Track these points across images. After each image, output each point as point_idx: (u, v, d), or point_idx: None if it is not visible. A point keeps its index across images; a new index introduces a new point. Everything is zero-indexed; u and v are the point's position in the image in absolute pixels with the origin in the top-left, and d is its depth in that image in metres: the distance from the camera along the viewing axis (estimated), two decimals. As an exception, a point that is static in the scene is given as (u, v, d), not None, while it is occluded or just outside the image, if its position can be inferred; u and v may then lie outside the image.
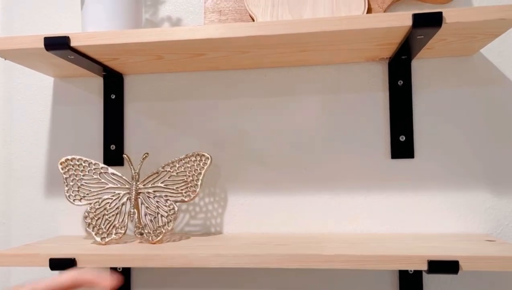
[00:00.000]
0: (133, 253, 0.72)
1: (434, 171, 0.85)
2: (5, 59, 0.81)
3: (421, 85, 0.86)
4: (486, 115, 0.85)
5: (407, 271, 0.84)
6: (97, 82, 0.95)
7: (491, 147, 0.84)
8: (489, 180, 0.84)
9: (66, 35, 0.73)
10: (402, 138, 0.86)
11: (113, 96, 0.94)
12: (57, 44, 0.73)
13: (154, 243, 0.80)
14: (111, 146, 0.93)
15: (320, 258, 0.65)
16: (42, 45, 0.74)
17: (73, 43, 0.73)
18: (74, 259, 0.72)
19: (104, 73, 0.91)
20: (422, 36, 0.70)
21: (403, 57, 0.83)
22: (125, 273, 0.91)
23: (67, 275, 0.46)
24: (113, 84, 0.94)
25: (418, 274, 0.84)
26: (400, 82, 0.86)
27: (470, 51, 0.82)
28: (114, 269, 0.91)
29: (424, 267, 0.64)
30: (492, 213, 0.84)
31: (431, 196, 0.85)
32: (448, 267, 0.64)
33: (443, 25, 0.65)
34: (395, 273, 0.85)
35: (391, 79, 0.86)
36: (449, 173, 0.85)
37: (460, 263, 0.63)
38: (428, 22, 0.66)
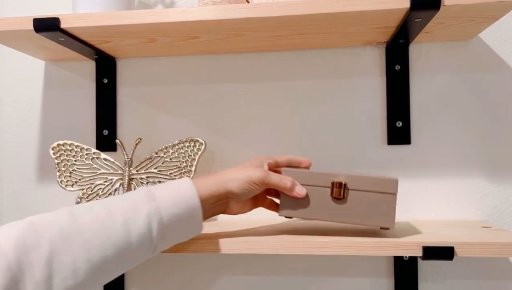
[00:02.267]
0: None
1: (430, 157, 0.84)
2: (-6, 41, 0.79)
3: (419, 70, 0.85)
4: (483, 101, 0.84)
5: (402, 257, 0.83)
6: (89, 66, 0.93)
7: (488, 133, 0.83)
8: (485, 167, 0.83)
9: (56, 16, 0.71)
10: (399, 124, 0.85)
11: (105, 81, 0.92)
12: (46, 26, 0.71)
13: (147, 229, 0.79)
14: (104, 131, 0.91)
15: (315, 244, 0.64)
16: (31, 27, 0.72)
17: (63, 25, 0.72)
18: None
19: (96, 56, 0.89)
20: (420, 19, 0.69)
21: (400, 41, 0.81)
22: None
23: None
24: (106, 68, 0.92)
25: (413, 260, 0.83)
26: (398, 67, 0.85)
27: (469, 35, 0.81)
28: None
29: (419, 253, 0.64)
30: (488, 200, 0.83)
31: (427, 183, 0.84)
32: (443, 253, 0.63)
33: (441, 7, 0.64)
34: (390, 259, 0.85)
35: (388, 64, 0.85)
36: (445, 159, 0.84)
37: (456, 249, 0.63)
38: (427, 4, 0.64)
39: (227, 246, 0.66)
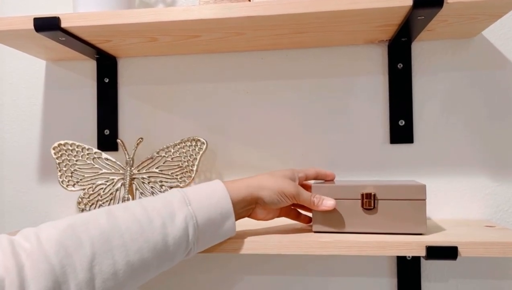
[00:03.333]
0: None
1: (433, 156, 0.84)
2: (-5, 41, 0.79)
3: (421, 68, 0.84)
4: (487, 99, 0.83)
5: (405, 257, 0.83)
6: (90, 66, 0.93)
7: (491, 131, 0.83)
8: (489, 165, 0.83)
9: (57, 15, 0.71)
10: (402, 122, 0.84)
11: (106, 80, 0.92)
12: (47, 25, 0.71)
13: (149, 229, 0.79)
14: (105, 131, 0.91)
15: (317, 244, 0.64)
16: (32, 26, 0.72)
17: (63, 24, 0.71)
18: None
19: (97, 56, 0.89)
20: (423, 17, 0.68)
21: (403, 39, 0.81)
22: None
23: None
24: (107, 68, 0.92)
25: (416, 259, 0.83)
26: (400, 66, 0.84)
27: (472, 33, 0.80)
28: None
29: (423, 253, 0.63)
30: (492, 199, 0.83)
31: (430, 181, 0.84)
32: (447, 253, 0.62)
33: (444, 5, 0.63)
34: (393, 259, 0.84)
35: (391, 62, 0.84)
36: (448, 158, 0.84)
37: (459, 249, 0.62)
38: (429, 2, 0.64)
39: (229, 246, 0.65)
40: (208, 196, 0.60)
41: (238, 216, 0.64)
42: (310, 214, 0.72)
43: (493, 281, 0.82)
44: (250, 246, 0.65)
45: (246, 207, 0.64)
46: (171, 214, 0.56)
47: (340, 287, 0.86)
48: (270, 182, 0.65)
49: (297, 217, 0.73)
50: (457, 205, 0.83)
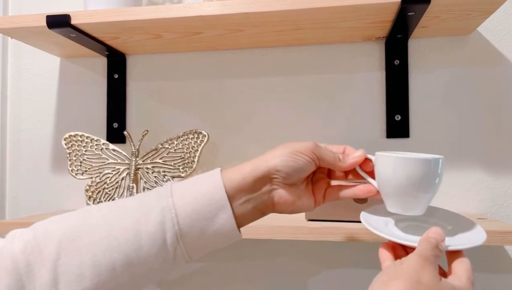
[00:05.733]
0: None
1: (429, 151, 0.85)
2: (11, 37, 0.85)
3: (418, 64, 0.86)
4: (482, 95, 0.84)
5: (400, 249, 0.84)
6: (101, 62, 0.98)
7: (486, 127, 0.84)
8: (484, 160, 0.84)
9: (67, 13, 0.76)
10: (398, 117, 0.86)
11: (116, 76, 0.96)
12: (58, 22, 0.76)
13: (151, 216, 0.83)
14: (114, 124, 0.96)
15: (305, 230, 0.67)
16: (44, 23, 0.77)
17: (73, 21, 0.76)
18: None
19: (107, 53, 0.94)
20: (414, 13, 0.70)
21: (398, 36, 0.83)
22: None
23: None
24: (116, 64, 0.96)
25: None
26: (397, 62, 0.86)
27: (467, 30, 0.82)
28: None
29: (409, 240, 0.65)
30: (487, 193, 0.84)
31: (426, 175, 0.85)
32: (433, 240, 0.64)
33: (432, 1, 0.66)
34: (388, 251, 0.86)
35: (388, 59, 0.87)
36: (444, 152, 0.85)
37: (445, 237, 0.64)
38: (417, -2, 0.66)
39: None
40: (195, 185, 0.50)
41: (252, 208, 0.50)
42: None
43: (486, 274, 0.83)
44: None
45: (255, 191, 0.50)
46: (148, 208, 0.48)
47: (336, 278, 0.88)
48: (279, 148, 0.52)
49: (339, 192, 0.54)
50: (453, 199, 0.85)
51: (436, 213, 0.55)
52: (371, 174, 0.54)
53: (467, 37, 0.85)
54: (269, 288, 0.90)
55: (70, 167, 0.86)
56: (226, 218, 0.48)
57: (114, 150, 0.86)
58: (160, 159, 0.85)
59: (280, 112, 0.91)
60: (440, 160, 0.50)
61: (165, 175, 0.84)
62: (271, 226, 0.68)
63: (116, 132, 0.95)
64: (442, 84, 0.85)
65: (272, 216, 0.54)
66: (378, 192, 0.53)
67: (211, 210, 0.48)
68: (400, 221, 0.55)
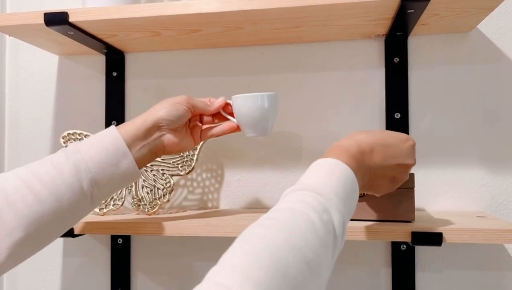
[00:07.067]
0: (127, 222, 0.75)
1: (428, 148, 0.85)
2: (9, 35, 0.84)
3: (417, 62, 0.86)
4: (482, 92, 0.84)
5: (399, 247, 0.84)
6: (99, 60, 0.97)
7: (486, 125, 0.84)
8: (484, 158, 0.84)
9: (65, 10, 0.75)
10: (397, 115, 0.86)
11: (114, 74, 0.96)
12: (56, 20, 0.76)
13: (150, 215, 0.82)
14: (113, 122, 0.95)
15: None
16: (42, 21, 0.76)
17: (71, 19, 0.76)
18: (72, 228, 0.75)
19: (105, 51, 0.94)
20: (413, 10, 0.70)
21: (398, 34, 0.83)
22: (125, 244, 0.94)
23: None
24: (115, 62, 0.96)
25: (410, 249, 0.84)
26: (396, 60, 0.86)
27: (467, 27, 0.81)
28: (115, 240, 0.94)
29: (408, 238, 0.65)
30: (487, 191, 0.83)
31: (425, 173, 0.85)
32: (432, 238, 0.64)
33: (431, -2, 0.65)
34: (387, 249, 0.86)
35: (387, 57, 0.86)
36: (443, 150, 0.85)
37: (444, 235, 0.64)
38: (417, -5, 0.66)
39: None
40: (98, 141, 0.60)
41: (148, 152, 0.64)
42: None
43: (486, 272, 0.83)
44: (241, 230, 0.68)
45: (148, 138, 0.63)
46: (61, 165, 0.57)
47: (334, 276, 0.88)
48: (163, 102, 0.66)
49: (207, 134, 0.72)
50: (452, 197, 0.85)
51: None
52: (232, 115, 0.71)
53: (467, 35, 0.84)
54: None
55: (68, 165, 0.86)
56: (128, 162, 0.61)
57: (112, 148, 0.86)
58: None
59: (280, 110, 0.90)
60: (266, 95, 0.69)
61: (164, 173, 0.84)
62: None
63: (114, 130, 0.95)
64: (442, 82, 0.85)
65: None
66: (238, 126, 0.71)
67: (116, 158, 0.60)
68: None
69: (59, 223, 0.58)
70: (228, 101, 0.71)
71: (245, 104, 0.68)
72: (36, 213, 0.55)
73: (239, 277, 0.34)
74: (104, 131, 0.63)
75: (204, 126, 0.72)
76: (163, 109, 0.65)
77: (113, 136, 0.61)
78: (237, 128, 0.72)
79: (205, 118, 0.73)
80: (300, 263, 0.38)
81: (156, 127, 0.64)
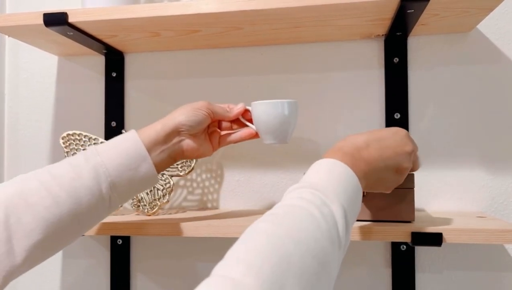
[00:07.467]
0: (127, 222, 0.75)
1: (428, 149, 0.85)
2: (9, 36, 0.84)
3: (417, 62, 0.86)
4: (482, 93, 0.84)
5: (399, 247, 0.84)
6: (99, 61, 0.97)
7: (486, 125, 0.84)
8: (484, 158, 0.83)
9: (65, 11, 0.75)
10: (397, 116, 0.86)
11: (114, 74, 0.96)
12: (55, 20, 0.76)
13: (149, 215, 0.82)
14: (112, 123, 0.95)
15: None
16: (41, 21, 0.76)
17: (70, 19, 0.76)
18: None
19: (105, 51, 0.93)
20: (413, 10, 0.70)
21: (398, 34, 0.82)
22: (125, 244, 0.94)
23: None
24: (114, 63, 0.96)
25: (411, 250, 0.84)
26: (396, 60, 0.86)
27: (467, 27, 0.81)
28: (114, 241, 0.94)
29: (408, 239, 0.65)
30: (487, 191, 0.83)
31: (425, 174, 0.85)
32: (432, 239, 0.64)
33: (431, -2, 0.65)
34: (387, 249, 0.86)
35: (387, 57, 0.86)
36: (443, 151, 0.85)
37: (444, 236, 0.64)
38: (416, -5, 0.65)
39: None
40: (118, 145, 0.60)
41: (167, 157, 0.64)
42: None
43: (486, 272, 0.83)
44: (240, 230, 0.68)
45: (168, 143, 0.63)
46: (80, 168, 0.57)
47: (335, 276, 0.88)
48: (182, 108, 0.66)
49: (226, 140, 0.72)
50: (452, 197, 0.85)
51: None
52: (251, 122, 0.71)
53: (466, 35, 0.84)
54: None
55: (68, 165, 0.86)
56: (148, 167, 0.61)
57: (112, 149, 0.86)
58: (158, 157, 0.84)
59: (279, 111, 0.90)
60: (286, 102, 0.67)
61: (163, 173, 0.83)
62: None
63: (114, 131, 0.95)
64: (442, 82, 0.85)
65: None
66: (256, 133, 0.70)
67: (135, 162, 0.60)
68: None
69: (77, 225, 0.57)
70: (248, 107, 0.71)
71: (265, 111, 0.67)
72: (54, 215, 0.55)
73: (242, 268, 0.36)
74: (123, 135, 0.63)
75: (223, 132, 0.72)
76: (183, 114, 0.65)
77: (133, 140, 0.61)
78: (256, 135, 0.71)
79: (224, 124, 0.72)
80: (303, 253, 0.40)
81: (175, 132, 0.64)
